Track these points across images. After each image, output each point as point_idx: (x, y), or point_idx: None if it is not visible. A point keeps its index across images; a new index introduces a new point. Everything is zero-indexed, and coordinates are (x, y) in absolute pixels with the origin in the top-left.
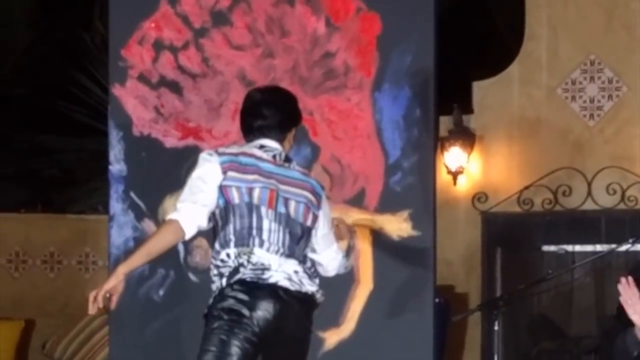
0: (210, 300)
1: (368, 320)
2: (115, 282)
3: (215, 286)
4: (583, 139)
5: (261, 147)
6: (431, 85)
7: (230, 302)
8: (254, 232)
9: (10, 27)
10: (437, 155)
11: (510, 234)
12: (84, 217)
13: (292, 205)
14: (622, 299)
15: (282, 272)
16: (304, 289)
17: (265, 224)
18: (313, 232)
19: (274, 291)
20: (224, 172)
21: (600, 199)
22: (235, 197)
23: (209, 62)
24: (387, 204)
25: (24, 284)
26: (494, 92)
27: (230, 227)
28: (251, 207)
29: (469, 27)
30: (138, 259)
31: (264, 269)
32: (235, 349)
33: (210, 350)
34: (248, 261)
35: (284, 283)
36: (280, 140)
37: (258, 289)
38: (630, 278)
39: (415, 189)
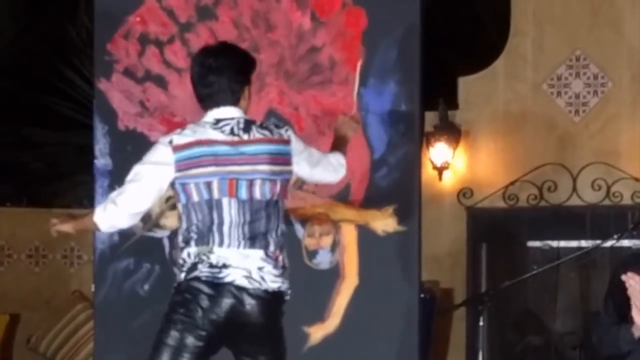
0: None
1: (353, 315)
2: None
3: (176, 280)
4: (568, 135)
5: (217, 122)
6: (417, 81)
7: (183, 298)
8: (215, 228)
9: None
10: (422, 151)
11: (496, 229)
12: (69, 211)
13: (256, 186)
14: (633, 298)
15: (242, 269)
16: (264, 287)
17: (226, 218)
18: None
19: (227, 290)
20: (179, 170)
21: (585, 195)
22: (194, 194)
23: None
24: (373, 200)
25: (9, 278)
26: (480, 87)
27: (192, 226)
28: (211, 204)
29: (455, 22)
30: (80, 225)
31: (222, 267)
32: (186, 342)
33: (164, 342)
34: (206, 260)
35: (241, 282)
36: (235, 103)
37: (211, 287)
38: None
39: (400, 184)
